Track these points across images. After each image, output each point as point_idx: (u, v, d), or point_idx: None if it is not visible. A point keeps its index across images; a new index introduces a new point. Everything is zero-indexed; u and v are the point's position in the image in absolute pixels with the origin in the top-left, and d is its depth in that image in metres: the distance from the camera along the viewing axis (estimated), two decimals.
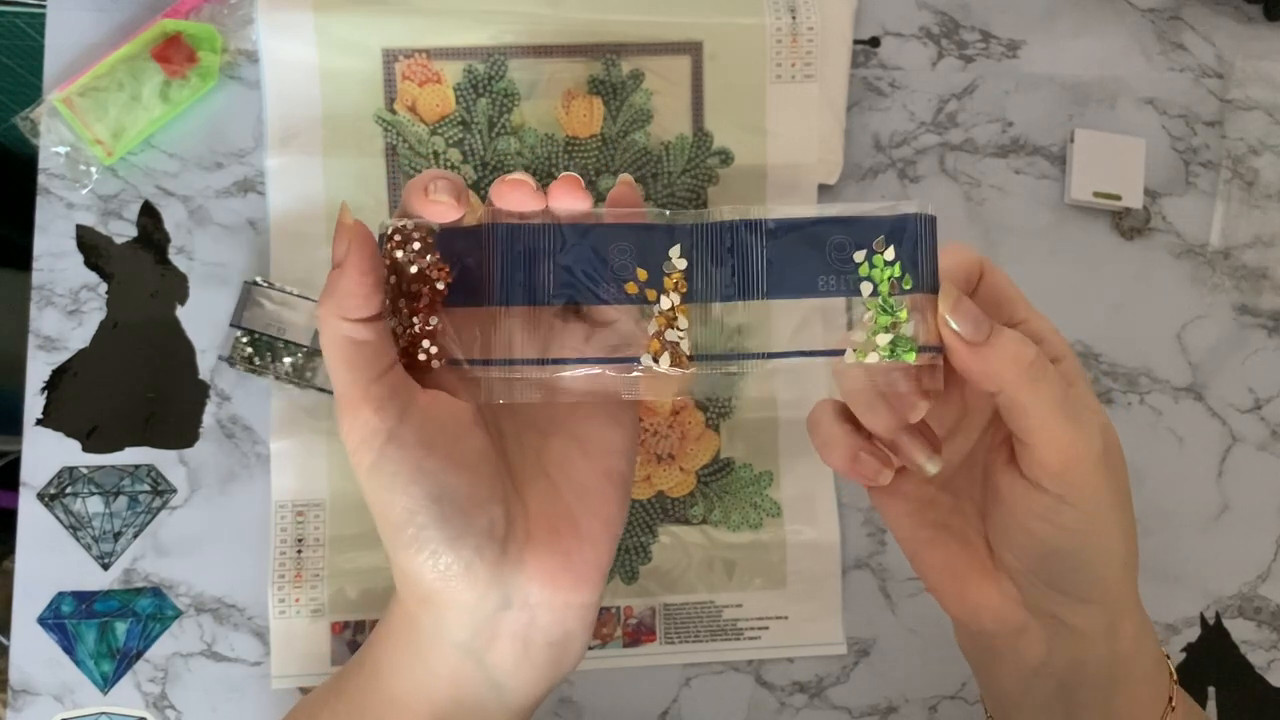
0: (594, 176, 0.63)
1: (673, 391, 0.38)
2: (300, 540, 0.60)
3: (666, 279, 0.37)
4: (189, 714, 0.60)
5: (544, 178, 0.62)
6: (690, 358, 0.36)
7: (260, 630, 0.60)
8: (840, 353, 0.35)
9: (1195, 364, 0.66)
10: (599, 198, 0.63)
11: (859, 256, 0.35)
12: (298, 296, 0.60)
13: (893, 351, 0.35)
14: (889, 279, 0.35)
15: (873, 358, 0.35)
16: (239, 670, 0.60)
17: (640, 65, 0.63)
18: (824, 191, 0.64)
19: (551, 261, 0.37)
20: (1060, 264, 0.66)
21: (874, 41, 0.66)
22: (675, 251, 0.37)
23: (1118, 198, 0.65)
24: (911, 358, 0.35)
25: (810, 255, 0.36)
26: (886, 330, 0.35)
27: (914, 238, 0.35)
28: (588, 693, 0.62)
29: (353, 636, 0.60)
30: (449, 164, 0.62)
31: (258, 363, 0.60)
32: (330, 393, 0.59)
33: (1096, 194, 0.65)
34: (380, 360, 0.35)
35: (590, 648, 0.61)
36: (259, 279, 0.60)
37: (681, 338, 0.36)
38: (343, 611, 0.60)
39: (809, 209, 0.36)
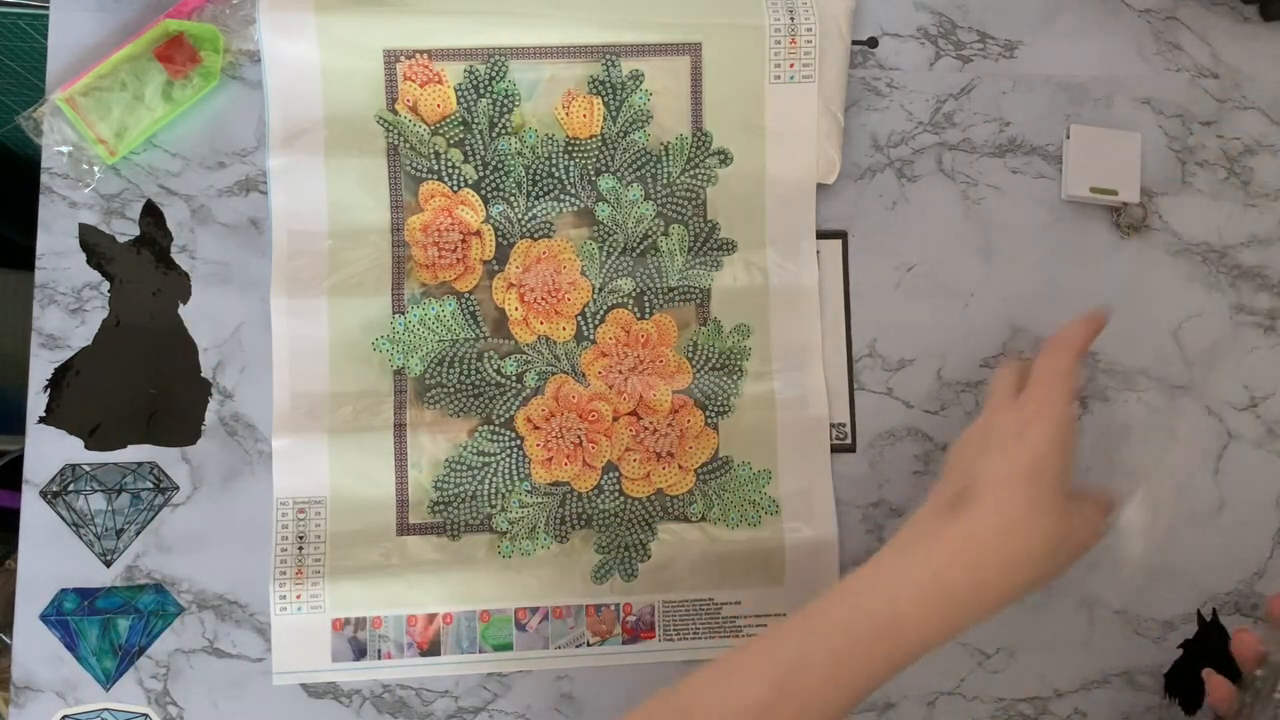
0: (594, 176, 0.63)
1: None
2: (301, 537, 0.61)
3: None
4: (191, 710, 0.60)
5: (544, 178, 0.63)
6: None
7: (262, 627, 0.60)
8: None
9: (1192, 362, 0.66)
10: (598, 198, 0.63)
11: None
12: None
13: None
14: None
15: None
16: (241, 666, 0.60)
17: (640, 66, 0.63)
18: (822, 191, 0.65)
19: None
20: (1058, 262, 0.66)
21: (872, 42, 0.67)
22: None
23: (1114, 193, 0.65)
24: None
25: None
26: None
27: None
28: (588, 689, 0.62)
29: (353, 633, 0.61)
30: (450, 164, 0.62)
31: None
32: None
33: (1093, 189, 0.65)
34: None
35: (589, 644, 0.62)
36: None
37: None
38: (343, 608, 0.61)
39: None
